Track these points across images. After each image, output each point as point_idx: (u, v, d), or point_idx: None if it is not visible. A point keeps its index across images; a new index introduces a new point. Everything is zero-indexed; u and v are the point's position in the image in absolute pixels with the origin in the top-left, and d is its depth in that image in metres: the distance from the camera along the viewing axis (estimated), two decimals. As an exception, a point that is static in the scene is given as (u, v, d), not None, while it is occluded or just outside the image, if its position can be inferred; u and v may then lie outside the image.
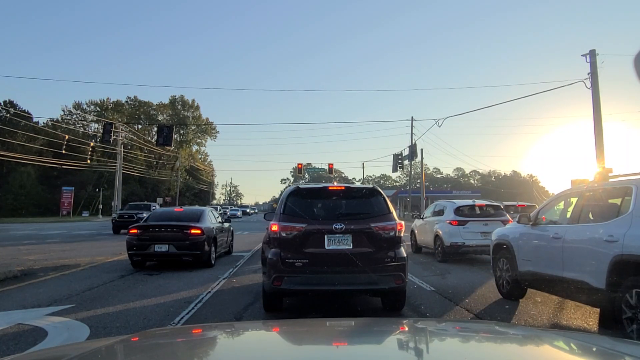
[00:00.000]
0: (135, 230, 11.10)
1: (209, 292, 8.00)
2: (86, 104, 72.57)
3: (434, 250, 13.02)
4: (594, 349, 1.67)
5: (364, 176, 69.03)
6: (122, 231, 24.40)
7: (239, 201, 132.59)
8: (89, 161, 43.00)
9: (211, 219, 12.39)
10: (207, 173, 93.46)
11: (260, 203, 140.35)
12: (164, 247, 10.72)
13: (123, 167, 45.57)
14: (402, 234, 6.21)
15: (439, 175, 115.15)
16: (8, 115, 51.86)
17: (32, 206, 53.49)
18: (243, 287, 8.48)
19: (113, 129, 35.82)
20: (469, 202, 13.63)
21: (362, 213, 6.25)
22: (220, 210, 27.67)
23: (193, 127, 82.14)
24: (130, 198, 49.59)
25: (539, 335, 1.96)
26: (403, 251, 6.09)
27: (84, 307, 6.78)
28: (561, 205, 7.03)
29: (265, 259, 6.22)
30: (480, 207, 13.12)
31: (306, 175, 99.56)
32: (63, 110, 71.60)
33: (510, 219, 12.03)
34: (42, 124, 57.34)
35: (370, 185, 6.87)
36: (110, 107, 73.08)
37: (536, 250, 6.69)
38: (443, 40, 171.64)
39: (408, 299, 6.62)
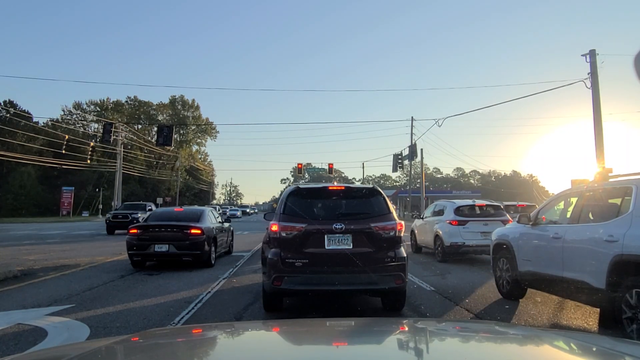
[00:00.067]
0: (135, 230, 11.10)
1: (209, 292, 8.00)
2: (86, 104, 72.71)
3: (434, 250, 13.02)
4: (594, 349, 1.67)
5: (364, 176, 69.09)
6: (116, 232, 23.97)
7: (239, 201, 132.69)
8: (89, 161, 42.99)
9: (211, 219, 12.39)
10: (207, 173, 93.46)
11: (260, 203, 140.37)
12: (164, 247, 10.73)
13: (123, 167, 45.58)
14: (402, 234, 6.21)
15: (439, 175, 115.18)
16: (8, 115, 51.86)
17: (32, 206, 53.50)
18: (243, 287, 8.48)
19: (113, 129, 35.82)
20: (469, 202, 13.63)
21: (362, 213, 6.25)
22: (219, 210, 27.50)
23: (193, 127, 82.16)
24: (130, 198, 49.55)
25: (539, 335, 1.96)
26: (403, 251, 6.09)
27: (84, 307, 6.78)
28: (561, 205, 7.04)
29: (265, 259, 6.22)
30: (480, 207, 13.12)
31: (306, 175, 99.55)
32: (63, 110, 71.74)
33: (510, 219, 12.03)
34: (42, 124, 57.43)
35: (370, 185, 6.87)
36: (110, 107, 73.08)
37: (536, 250, 6.69)
38: (443, 40, 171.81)
39: (408, 299, 6.62)
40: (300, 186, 6.62)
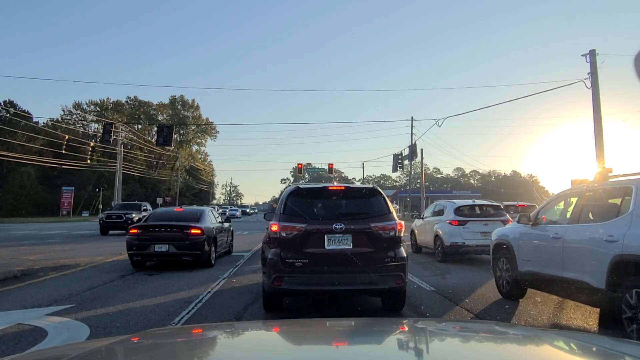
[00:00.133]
0: (135, 230, 11.11)
1: (209, 292, 8.00)
2: (86, 104, 72.74)
3: (434, 250, 13.02)
4: (594, 349, 1.67)
5: (364, 176, 69.07)
6: (110, 232, 23.34)
7: (239, 201, 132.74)
8: (89, 161, 42.97)
9: (211, 219, 12.39)
10: (207, 173, 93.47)
11: (260, 203, 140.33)
12: (164, 247, 10.73)
13: (123, 167, 45.55)
14: (402, 234, 6.21)
15: (439, 175, 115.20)
16: (8, 115, 51.86)
17: (32, 206, 53.49)
18: (243, 287, 8.48)
19: (113, 129, 35.80)
20: (469, 202, 13.64)
21: (362, 213, 6.25)
22: (219, 210, 27.33)
23: (193, 127, 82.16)
24: (130, 198, 49.57)
25: (539, 335, 1.96)
26: (403, 251, 6.09)
27: (84, 307, 6.78)
28: (561, 205, 7.04)
29: (265, 259, 6.22)
30: (480, 207, 13.13)
31: (306, 175, 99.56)
32: (63, 110, 71.76)
33: (510, 219, 12.03)
34: (42, 124, 57.42)
35: (370, 185, 6.87)
36: (110, 107, 73.08)
37: (536, 250, 6.69)
38: (443, 40, 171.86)
39: (408, 299, 6.62)
40: (300, 186, 6.62)
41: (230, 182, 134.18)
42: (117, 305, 6.89)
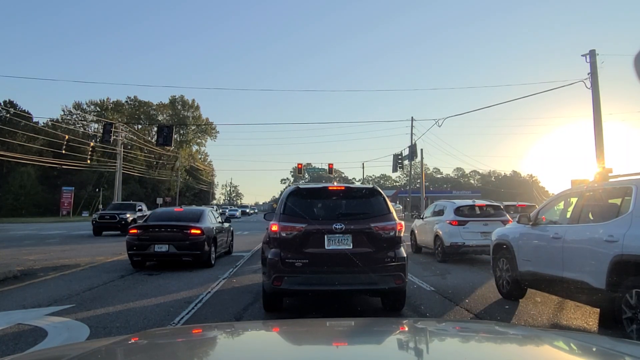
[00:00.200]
0: (135, 230, 11.12)
1: (209, 292, 8.00)
2: (86, 104, 72.74)
3: (434, 250, 13.02)
4: (594, 349, 1.67)
5: (364, 176, 69.04)
6: (104, 233, 22.78)
7: (239, 201, 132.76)
8: (89, 161, 42.97)
9: (211, 219, 12.40)
10: (207, 173, 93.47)
11: (260, 203, 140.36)
12: (164, 247, 10.73)
13: (123, 167, 45.53)
14: (402, 234, 6.21)
15: (439, 175, 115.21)
16: (8, 115, 51.87)
17: (32, 206, 53.50)
18: (243, 287, 8.48)
19: (113, 129, 35.78)
20: (469, 202, 13.63)
21: (362, 213, 6.25)
22: (218, 210, 27.20)
23: (193, 127, 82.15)
24: (131, 198, 49.49)
25: (539, 335, 1.96)
26: (403, 251, 6.09)
27: (84, 307, 6.78)
28: (561, 205, 7.03)
29: (265, 259, 6.21)
30: (480, 207, 13.12)
31: (306, 175, 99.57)
32: (63, 110, 71.78)
33: (510, 219, 12.03)
34: (42, 124, 57.45)
35: (370, 185, 6.87)
36: (110, 107, 73.09)
37: (536, 250, 6.69)
38: (443, 40, 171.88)
39: (408, 299, 6.62)
40: (300, 186, 6.61)
41: (230, 182, 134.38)
42: (117, 305, 6.89)
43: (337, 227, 5.86)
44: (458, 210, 12.57)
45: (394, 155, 39.89)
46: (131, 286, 8.66)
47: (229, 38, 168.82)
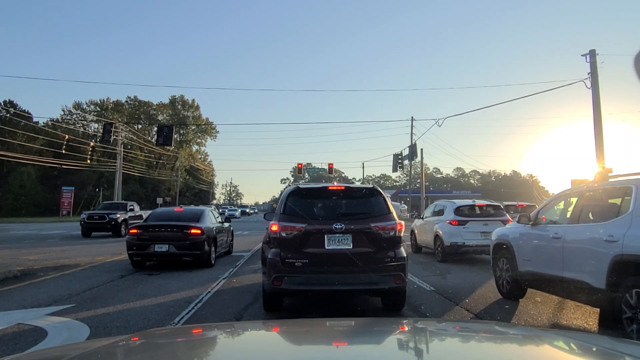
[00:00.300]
0: (135, 230, 11.13)
1: (209, 292, 8.00)
2: (86, 104, 72.71)
3: (434, 250, 13.02)
4: (594, 349, 1.67)
5: (364, 176, 69.06)
6: (93, 234, 21.72)
7: (239, 201, 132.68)
8: (89, 161, 42.98)
9: (211, 219, 12.40)
10: (207, 173, 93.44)
11: (260, 203, 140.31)
12: (164, 247, 10.73)
13: (123, 167, 45.52)
14: (402, 234, 6.21)
15: (439, 175, 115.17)
16: (8, 115, 51.87)
17: (32, 206, 53.51)
18: (243, 287, 8.48)
19: (113, 129, 35.79)
20: (469, 202, 13.63)
21: (362, 213, 6.25)
22: (218, 210, 26.99)
23: (193, 127, 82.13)
24: (131, 198, 49.39)
25: (539, 335, 1.96)
26: (403, 251, 6.09)
27: (84, 307, 6.78)
28: (561, 205, 7.03)
29: (265, 259, 6.22)
30: (480, 207, 13.12)
31: (306, 175, 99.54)
32: (63, 110, 71.75)
33: (510, 219, 12.03)
34: (42, 124, 57.43)
35: (370, 185, 6.87)
36: (110, 107, 73.08)
37: (536, 250, 6.69)
38: (443, 40, 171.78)
39: (408, 299, 6.62)
40: (300, 186, 6.62)
41: (230, 182, 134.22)
42: (117, 305, 6.89)
43: (337, 227, 5.86)
44: (458, 210, 12.57)
45: (394, 155, 39.93)
46: (131, 286, 8.66)
47: (229, 38, 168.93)
